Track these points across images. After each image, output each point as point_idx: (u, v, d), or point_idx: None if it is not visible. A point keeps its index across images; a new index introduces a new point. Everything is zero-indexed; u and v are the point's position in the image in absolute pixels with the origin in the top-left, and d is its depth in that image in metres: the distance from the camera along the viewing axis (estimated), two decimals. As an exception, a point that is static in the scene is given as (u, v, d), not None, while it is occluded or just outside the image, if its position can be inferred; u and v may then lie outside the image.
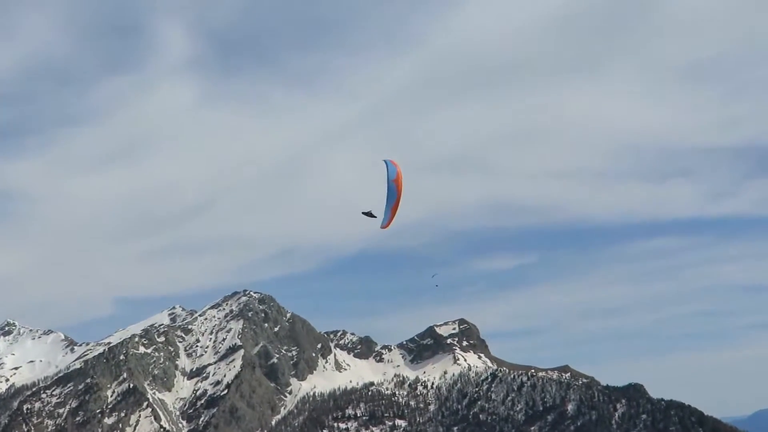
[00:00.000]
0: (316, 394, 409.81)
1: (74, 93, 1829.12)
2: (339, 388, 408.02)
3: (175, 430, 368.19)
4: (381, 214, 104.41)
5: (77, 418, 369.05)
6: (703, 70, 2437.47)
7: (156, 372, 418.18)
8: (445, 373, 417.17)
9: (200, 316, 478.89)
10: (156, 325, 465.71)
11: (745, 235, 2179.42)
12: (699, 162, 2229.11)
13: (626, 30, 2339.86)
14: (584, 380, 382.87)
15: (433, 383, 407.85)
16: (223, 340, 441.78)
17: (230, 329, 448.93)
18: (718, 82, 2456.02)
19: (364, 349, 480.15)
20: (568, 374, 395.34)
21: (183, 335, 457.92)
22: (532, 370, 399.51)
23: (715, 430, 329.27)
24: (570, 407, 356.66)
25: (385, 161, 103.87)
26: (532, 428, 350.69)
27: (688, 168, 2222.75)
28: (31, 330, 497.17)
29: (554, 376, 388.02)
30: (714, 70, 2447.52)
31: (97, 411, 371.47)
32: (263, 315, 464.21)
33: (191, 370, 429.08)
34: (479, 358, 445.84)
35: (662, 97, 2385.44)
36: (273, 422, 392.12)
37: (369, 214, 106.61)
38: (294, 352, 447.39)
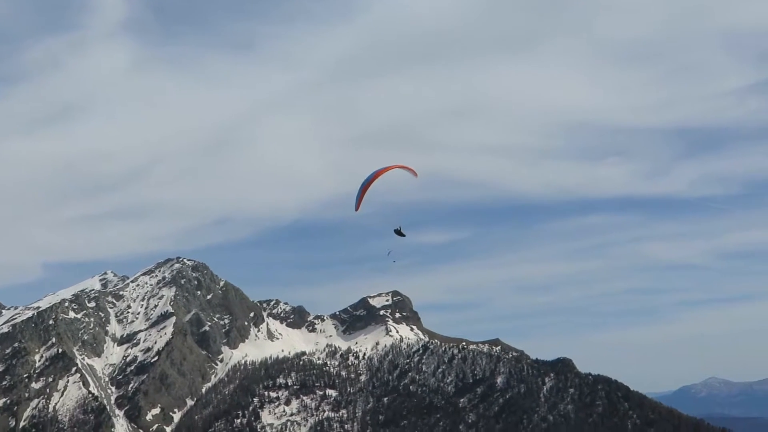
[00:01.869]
0: (248, 363, 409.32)
1: (6, 52, 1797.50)
2: (270, 357, 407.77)
3: (103, 396, 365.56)
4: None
5: (3, 383, 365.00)
6: (639, 51, 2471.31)
7: (85, 337, 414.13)
8: (377, 344, 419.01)
9: (132, 282, 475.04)
10: (87, 290, 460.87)
11: (676, 215, 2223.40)
12: (633, 142, 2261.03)
13: (564, 9, 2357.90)
14: (514, 354, 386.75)
15: (364, 354, 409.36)
16: (155, 306, 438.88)
17: (162, 296, 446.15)
18: (654, 64, 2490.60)
19: (297, 318, 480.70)
20: (499, 348, 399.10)
21: (114, 301, 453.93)
22: (464, 343, 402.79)
23: (641, 405, 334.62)
24: (499, 380, 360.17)
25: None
26: (462, 400, 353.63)
27: (623, 147, 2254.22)
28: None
29: (485, 350, 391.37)
30: (650, 51, 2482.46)
31: (25, 376, 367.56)
32: (196, 283, 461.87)
33: (122, 336, 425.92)
34: (411, 330, 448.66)
35: (598, 76, 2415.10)
36: (203, 390, 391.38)
37: (399, 233, 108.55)
38: (226, 321, 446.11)
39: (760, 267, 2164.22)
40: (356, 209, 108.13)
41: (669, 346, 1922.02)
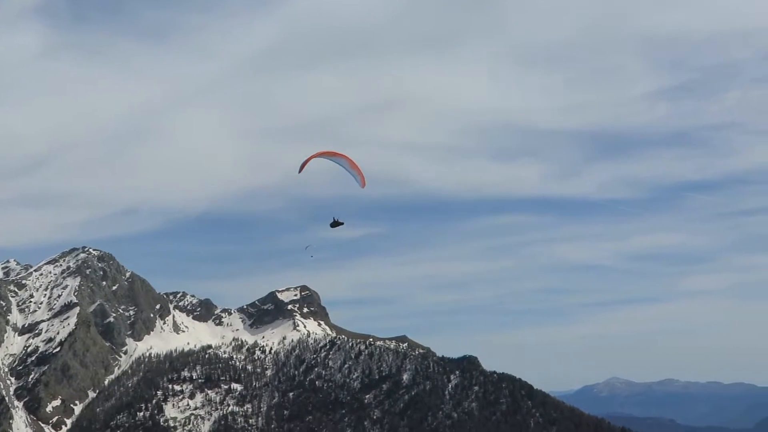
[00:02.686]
0: (152, 355, 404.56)
1: None
2: (176, 350, 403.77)
3: (2, 386, 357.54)
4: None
5: None
6: (554, 55, 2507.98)
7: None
8: (284, 338, 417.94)
9: (35, 271, 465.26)
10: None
11: (586, 217, 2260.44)
12: (546, 143, 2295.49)
13: (484, 10, 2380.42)
14: (421, 351, 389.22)
15: (271, 348, 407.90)
16: (59, 296, 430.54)
17: (66, 286, 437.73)
18: (568, 67, 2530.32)
19: (204, 311, 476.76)
20: (406, 344, 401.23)
21: (16, 290, 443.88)
22: (371, 339, 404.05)
23: (544, 403, 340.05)
24: (405, 377, 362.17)
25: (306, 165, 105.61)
26: (367, 396, 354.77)
27: (536, 148, 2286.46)
28: None
29: (392, 346, 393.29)
30: (564, 54, 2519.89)
31: None
32: (102, 273, 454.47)
33: (23, 326, 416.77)
34: (319, 325, 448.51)
35: (515, 78, 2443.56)
36: (106, 382, 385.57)
37: (336, 224, 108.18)
38: (132, 312, 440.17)
39: (664, 270, 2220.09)
40: (299, 172, 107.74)
41: (573, 346, 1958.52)
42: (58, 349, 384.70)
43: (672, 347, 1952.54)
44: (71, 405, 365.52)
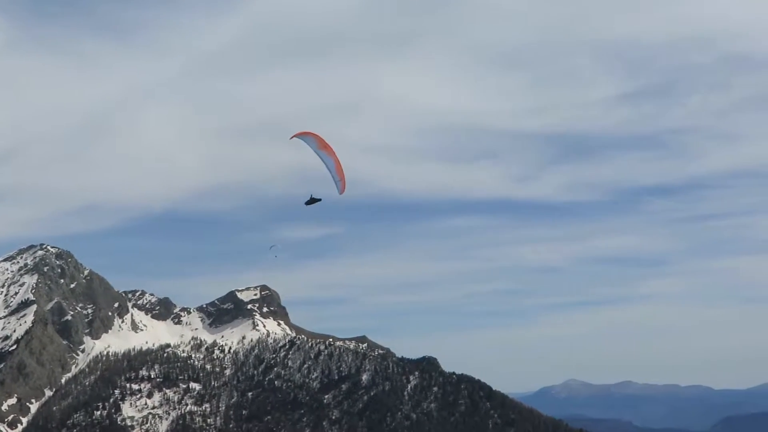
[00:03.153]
0: (110, 354, 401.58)
1: None
2: (134, 349, 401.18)
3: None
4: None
5: None
6: (515, 56, 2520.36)
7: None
8: (244, 338, 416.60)
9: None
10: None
11: (544, 219, 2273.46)
12: (506, 145, 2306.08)
13: (444, 12, 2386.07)
14: (380, 351, 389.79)
15: (230, 348, 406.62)
16: (16, 294, 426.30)
17: (23, 283, 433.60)
18: (529, 69, 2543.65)
19: (163, 310, 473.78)
20: (365, 345, 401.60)
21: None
22: (330, 340, 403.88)
23: (502, 404, 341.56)
24: (364, 377, 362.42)
25: (299, 137, 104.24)
26: (326, 396, 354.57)
27: (495, 150, 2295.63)
28: None
29: (351, 346, 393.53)
30: (526, 57, 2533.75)
31: None
32: (60, 270, 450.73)
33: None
34: (279, 325, 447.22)
35: (474, 79, 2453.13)
36: (63, 380, 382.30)
37: (312, 201, 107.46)
38: (90, 310, 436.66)
39: (622, 272, 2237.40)
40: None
41: (531, 347, 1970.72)
42: (14, 347, 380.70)
43: (630, 350, 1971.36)
44: (27, 403, 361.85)
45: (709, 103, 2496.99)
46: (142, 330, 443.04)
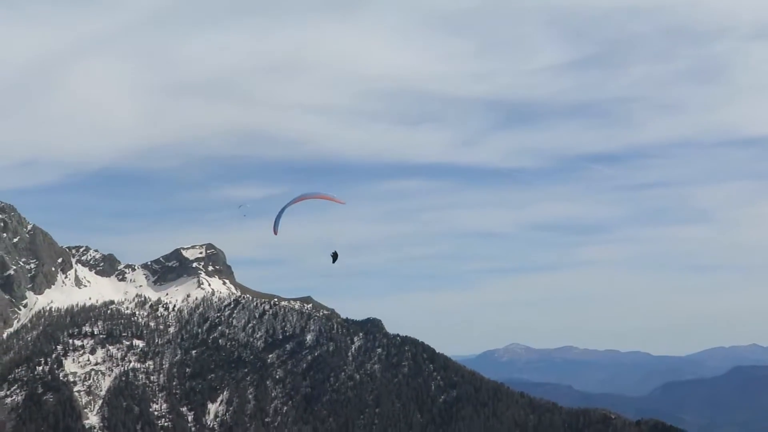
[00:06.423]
0: (53, 309, 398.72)
1: None
2: (77, 305, 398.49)
3: None
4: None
5: None
6: (461, 21, 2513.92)
7: None
8: (188, 296, 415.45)
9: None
10: None
11: (487, 184, 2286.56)
12: (450, 110, 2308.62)
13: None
14: (325, 312, 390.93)
15: (174, 305, 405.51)
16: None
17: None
18: (476, 34, 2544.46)
19: (107, 266, 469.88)
20: (310, 305, 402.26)
21: None
22: (275, 299, 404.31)
23: (445, 367, 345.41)
24: (309, 337, 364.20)
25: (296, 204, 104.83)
26: (270, 356, 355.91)
27: (439, 115, 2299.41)
28: None
29: (296, 306, 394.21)
30: (473, 21, 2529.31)
31: None
32: (2, 225, 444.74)
33: None
34: (224, 284, 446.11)
35: (419, 43, 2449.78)
36: (5, 335, 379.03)
37: (335, 256, 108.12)
38: (33, 265, 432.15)
39: (563, 239, 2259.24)
40: (275, 233, 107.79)
41: (475, 311, 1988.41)
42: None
43: (571, 315, 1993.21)
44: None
45: (653, 72, 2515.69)
46: (85, 286, 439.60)
